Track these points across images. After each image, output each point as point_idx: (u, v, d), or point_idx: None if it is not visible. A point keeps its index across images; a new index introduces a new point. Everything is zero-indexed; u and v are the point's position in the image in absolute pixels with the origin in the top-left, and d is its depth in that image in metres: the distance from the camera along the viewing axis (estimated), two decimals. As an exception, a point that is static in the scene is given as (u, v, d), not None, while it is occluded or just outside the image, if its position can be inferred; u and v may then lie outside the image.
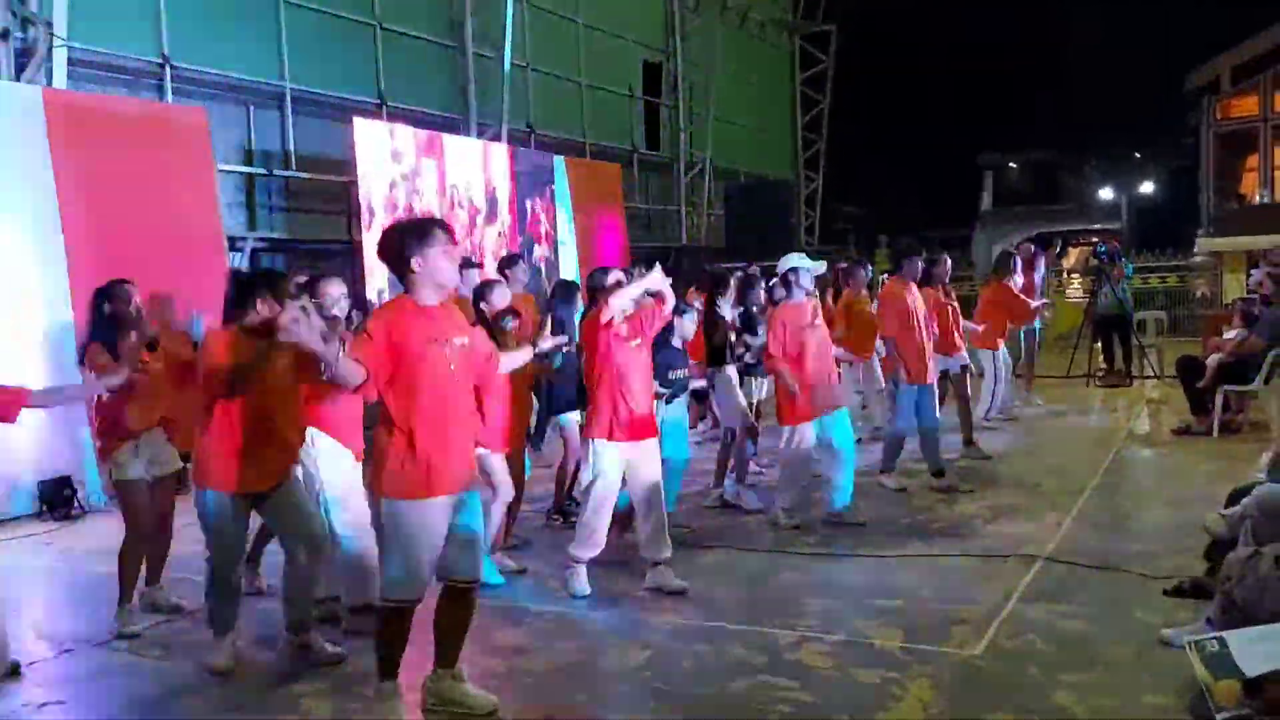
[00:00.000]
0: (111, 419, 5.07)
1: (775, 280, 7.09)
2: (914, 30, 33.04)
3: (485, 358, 4.14)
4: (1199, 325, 16.90)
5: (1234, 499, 4.69)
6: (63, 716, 4.20)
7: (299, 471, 4.67)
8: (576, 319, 6.57)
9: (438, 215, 11.78)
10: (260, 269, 4.64)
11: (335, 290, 5.07)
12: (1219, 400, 9.11)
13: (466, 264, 8.99)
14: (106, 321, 5.13)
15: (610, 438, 5.29)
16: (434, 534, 3.83)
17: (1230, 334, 9.68)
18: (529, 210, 13.81)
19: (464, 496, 3.90)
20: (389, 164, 11.25)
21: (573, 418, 6.67)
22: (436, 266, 3.81)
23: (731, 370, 7.31)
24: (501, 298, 5.91)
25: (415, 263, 3.79)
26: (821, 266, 6.83)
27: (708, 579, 5.59)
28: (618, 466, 5.34)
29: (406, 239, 3.82)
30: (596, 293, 5.78)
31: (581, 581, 5.40)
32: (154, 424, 5.13)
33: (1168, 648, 4.22)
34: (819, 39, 25.70)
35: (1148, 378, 12.91)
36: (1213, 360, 9.24)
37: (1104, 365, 13.05)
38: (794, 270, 6.57)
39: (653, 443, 5.45)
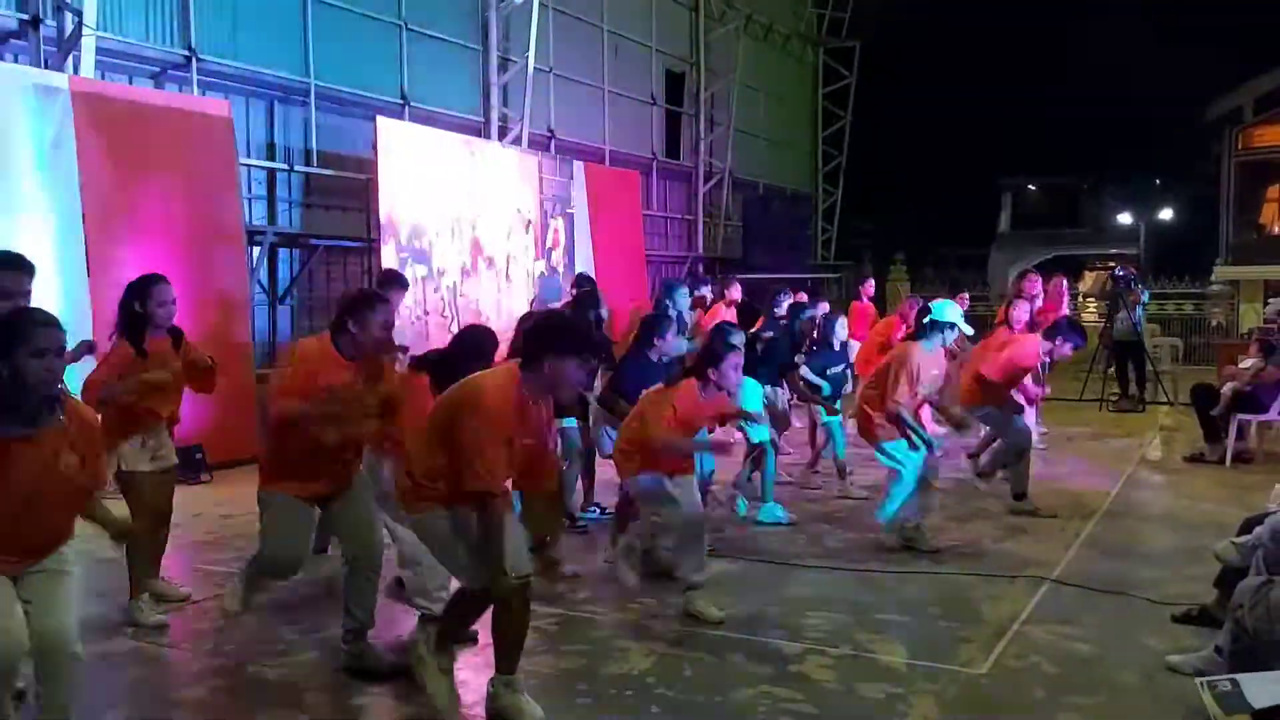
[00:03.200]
0: (123, 414, 4.96)
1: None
2: (938, 50, 33.03)
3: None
4: (1214, 353, 16.84)
5: (1246, 527, 4.66)
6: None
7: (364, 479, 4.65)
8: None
9: (463, 221, 11.85)
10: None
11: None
12: (1233, 429, 9.08)
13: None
14: (136, 320, 5.01)
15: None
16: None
17: (1246, 363, 9.65)
18: (550, 229, 13.89)
19: None
20: (412, 164, 11.29)
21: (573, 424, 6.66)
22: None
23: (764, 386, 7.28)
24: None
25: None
26: (970, 331, 6.84)
27: (714, 588, 5.56)
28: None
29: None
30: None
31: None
32: (164, 419, 5.12)
33: (1175, 674, 4.20)
34: (843, 55, 25.71)
35: (1161, 404, 12.87)
36: (1228, 389, 9.21)
37: (1118, 390, 13.02)
38: (951, 326, 6.38)
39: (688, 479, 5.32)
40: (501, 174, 12.88)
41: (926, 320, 6.49)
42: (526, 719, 3.92)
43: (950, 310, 6.41)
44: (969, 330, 6.61)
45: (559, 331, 3.90)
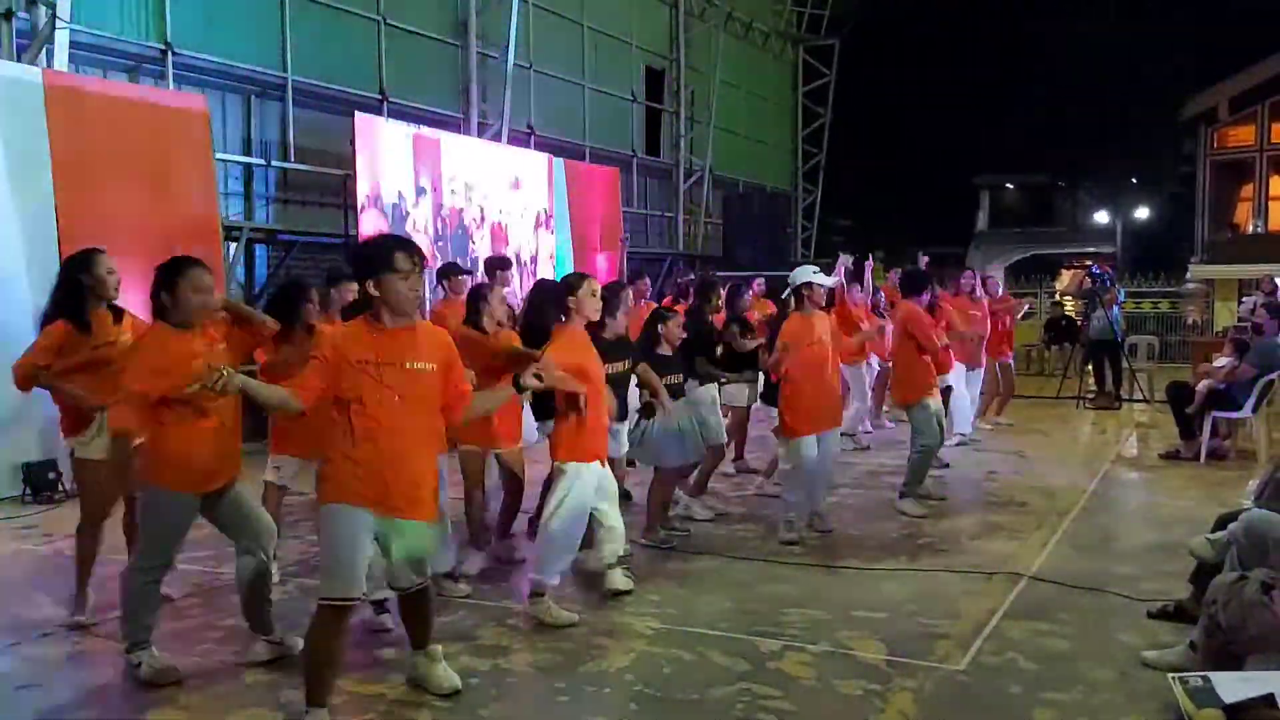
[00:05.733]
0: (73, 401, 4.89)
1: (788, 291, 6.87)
2: (916, 49, 33.16)
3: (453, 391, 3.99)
4: (1189, 351, 16.99)
5: (1221, 524, 4.70)
6: (41, 698, 4.17)
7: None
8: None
9: (450, 218, 11.84)
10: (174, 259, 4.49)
11: None
12: (1207, 426, 9.15)
13: (504, 263, 8.78)
14: (78, 294, 4.88)
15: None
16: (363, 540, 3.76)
17: (1221, 362, 9.73)
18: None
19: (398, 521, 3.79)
20: (391, 160, 11.23)
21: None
22: (394, 292, 3.74)
23: (711, 388, 7.21)
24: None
25: (370, 285, 3.74)
26: (833, 281, 6.83)
27: (694, 586, 5.59)
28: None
29: (369, 259, 3.79)
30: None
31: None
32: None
33: (1150, 670, 4.23)
34: (822, 52, 25.77)
35: (1137, 401, 12.96)
36: (1202, 386, 9.28)
37: (1094, 388, 13.11)
38: (809, 285, 6.49)
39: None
40: (505, 172, 12.98)
41: (790, 293, 6.65)
42: (436, 682, 4.08)
43: (800, 274, 6.58)
44: (828, 282, 6.69)
45: (366, 256, 3.88)
